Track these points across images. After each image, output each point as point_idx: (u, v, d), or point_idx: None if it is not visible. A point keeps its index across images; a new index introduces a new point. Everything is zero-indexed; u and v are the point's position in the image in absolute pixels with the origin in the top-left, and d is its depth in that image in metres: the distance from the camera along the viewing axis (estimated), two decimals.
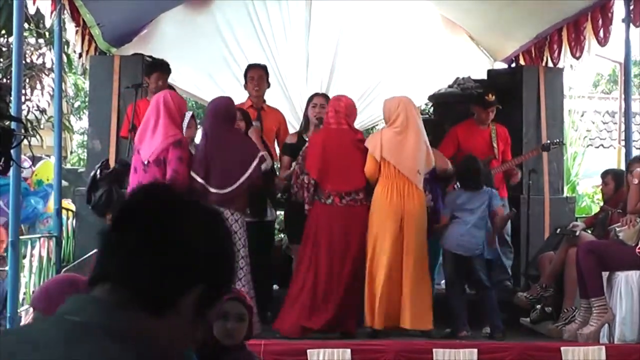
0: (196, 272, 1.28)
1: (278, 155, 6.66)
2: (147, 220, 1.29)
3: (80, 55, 7.77)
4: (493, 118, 6.94)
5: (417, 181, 5.56)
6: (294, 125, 8.98)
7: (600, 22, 7.05)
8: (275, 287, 7.03)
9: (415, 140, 5.61)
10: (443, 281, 7.09)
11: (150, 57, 7.33)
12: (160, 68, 6.69)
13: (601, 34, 7.06)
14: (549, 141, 7.18)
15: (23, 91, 8.55)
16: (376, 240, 5.52)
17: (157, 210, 1.30)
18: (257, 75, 6.62)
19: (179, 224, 1.29)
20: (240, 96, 6.78)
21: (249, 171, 5.45)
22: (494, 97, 6.85)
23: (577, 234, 5.88)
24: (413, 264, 5.49)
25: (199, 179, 5.41)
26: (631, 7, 6.75)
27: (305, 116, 6.49)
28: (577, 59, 7.51)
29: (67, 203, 8.35)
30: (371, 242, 5.55)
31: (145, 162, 5.48)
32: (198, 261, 1.28)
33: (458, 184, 6.03)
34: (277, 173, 6.48)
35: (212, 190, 5.37)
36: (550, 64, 7.93)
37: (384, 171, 5.59)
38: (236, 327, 3.07)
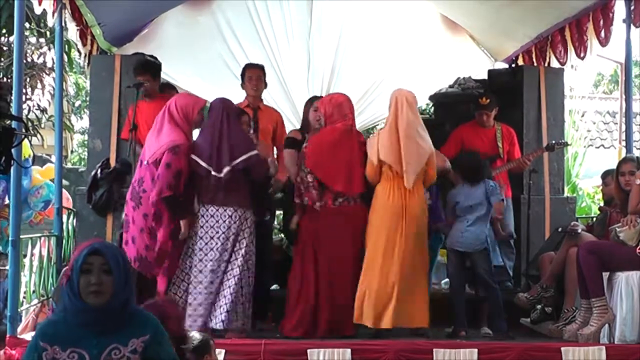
0: None
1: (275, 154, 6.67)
2: None
3: (86, 55, 7.77)
4: (494, 118, 6.94)
5: (406, 180, 5.49)
6: (295, 125, 8.99)
7: (601, 22, 7.05)
8: (275, 286, 7.03)
9: (404, 137, 5.52)
10: (444, 280, 7.12)
11: (151, 56, 7.33)
12: (138, 68, 6.68)
13: (602, 34, 7.05)
14: (553, 141, 7.15)
15: (24, 90, 8.57)
16: (374, 239, 5.51)
17: None
18: (255, 75, 6.60)
19: None
20: (241, 96, 6.78)
21: (245, 156, 5.44)
22: (488, 100, 6.83)
23: (579, 231, 5.88)
24: (412, 263, 5.47)
25: (203, 163, 5.41)
26: (632, 8, 6.75)
27: (306, 118, 6.46)
28: (582, 58, 7.50)
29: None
30: (369, 241, 5.54)
31: (145, 162, 5.51)
32: None
33: (459, 177, 5.99)
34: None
35: (215, 174, 5.38)
36: (556, 64, 7.92)
37: (384, 172, 5.57)
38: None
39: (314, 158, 5.63)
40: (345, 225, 5.54)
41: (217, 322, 5.33)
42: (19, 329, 5.34)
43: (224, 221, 5.40)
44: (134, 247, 5.46)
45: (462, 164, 5.99)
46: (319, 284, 5.50)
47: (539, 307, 5.97)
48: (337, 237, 5.51)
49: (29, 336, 5.09)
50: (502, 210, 6.09)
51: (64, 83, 8.95)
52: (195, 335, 4.32)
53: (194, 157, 5.47)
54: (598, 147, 16.65)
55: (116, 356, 2.74)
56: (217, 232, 5.39)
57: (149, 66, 6.69)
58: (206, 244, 5.40)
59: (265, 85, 6.75)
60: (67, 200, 8.50)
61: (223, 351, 4.95)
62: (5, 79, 9.28)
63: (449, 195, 5.97)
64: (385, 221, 5.49)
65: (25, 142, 8.48)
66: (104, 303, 2.73)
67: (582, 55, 7.46)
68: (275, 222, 8.52)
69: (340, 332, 5.48)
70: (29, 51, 9.97)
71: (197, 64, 8.67)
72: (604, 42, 7.09)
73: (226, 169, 5.39)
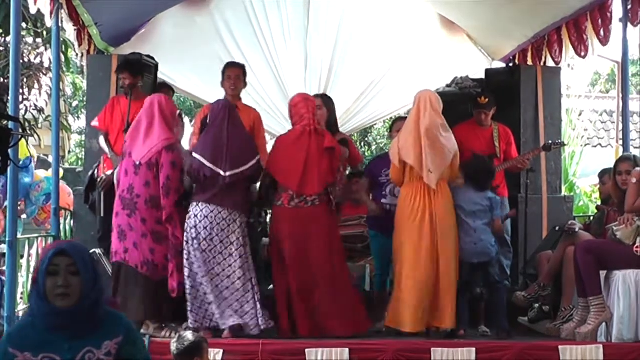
0: None
1: None
2: None
3: (83, 55, 7.77)
4: (491, 117, 6.94)
5: (429, 181, 5.48)
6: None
7: (599, 21, 7.06)
8: (272, 287, 7.02)
9: (426, 138, 5.52)
10: None
11: (148, 56, 7.33)
12: (119, 66, 6.68)
13: (602, 33, 7.06)
14: (550, 141, 7.14)
15: (21, 90, 8.55)
16: (404, 242, 5.50)
17: None
18: (234, 75, 6.56)
19: None
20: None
21: (249, 164, 5.45)
22: (487, 100, 6.83)
23: (576, 230, 5.88)
24: (449, 263, 5.46)
25: (208, 164, 5.40)
26: (629, 7, 6.76)
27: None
28: (583, 57, 7.51)
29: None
30: (397, 243, 5.54)
31: (137, 164, 5.48)
32: None
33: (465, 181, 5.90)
34: None
35: (222, 173, 5.38)
36: (551, 63, 7.93)
37: (407, 173, 5.58)
38: None
39: (271, 159, 5.66)
40: (304, 227, 5.50)
41: (252, 328, 5.34)
42: None
43: (218, 223, 5.38)
44: (138, 252, 5.43)
45: (475, 168, 5.87)
46: (289, 286, 5.51)
47: (536, 305, 5.98)
48: (297, 238, 5.49)
49: None
50: (501, 228, 6.03)
51: (61, 83, 8.96)
52: (187, 336, 4.31)
53: (197, 156, 5.47)
54: (595, 146, 16.65)
55: None
56: (210, 234, 5.36)
57: (128, 64, 6.65)
58: (200, 244, 5.38)
59: (245, 85, 6.69)
60: (69, 196, 8.52)
61: (221, 351, 4.96)
62: (2, 80, 9.27)
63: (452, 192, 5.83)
64: (410, 223, 5.48)
65: (26, 143, 8.54)
66: (71, 305, 2.63)
67: (582, 54, 7.47)
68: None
69: (328, 333, 5.44)
70: (25, 51, 9.95)
71: (195, 63, 8.67)
72: (603, 41, 7.10)
73: (230, 173, 5.38)
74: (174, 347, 4.27)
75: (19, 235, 7.58)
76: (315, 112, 5.76)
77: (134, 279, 5.43)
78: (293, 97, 5.98)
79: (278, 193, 5.61)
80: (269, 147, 6.72)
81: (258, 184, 5.90)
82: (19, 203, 8.92)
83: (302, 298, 5.46)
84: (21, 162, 8.52)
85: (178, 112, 5.75)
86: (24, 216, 9.54)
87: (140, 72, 6.66)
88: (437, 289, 5.45)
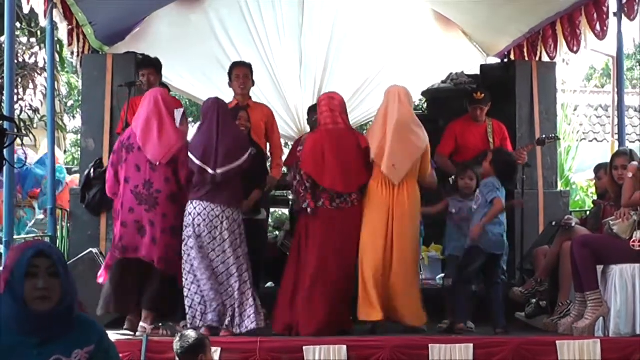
0: None
1: (268, 151, 6.67)
2: None
3: (77, 54, 7.75)
4: (487, 113, 6.95)
5: (392, 176, 5.47)
6: (288, 123, 9.00)
7: (595, 15, 7.06)
8: (270, 284, 7.03)
9: (393, 133, 5.50)
10: (439, 276, 7.11)
11: (144, 55, 7.31)
12: (144, 62, 6.72)
13: (598, 27, 7.06)
14: (544, 135, 7.17)
15: (16, 91, 8.54)
16: (367, 235, 5.51)
17: None
18: (242, 74, 6.58)
19: None
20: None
21: (242, 159, 5.43)
22: (482, 95, 6.83)
23: (573, 224, 5.89)
24: (404, 259, 5.46)
25: (197, 161, 5.39)
26: (623, 1, 6.77)
27: (312, 123, 6.50)
28: (575, 52, 7.52)
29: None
30: (363, 237, 5.54)
31: (157, 164, 5.44)
32: None
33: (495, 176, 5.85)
34: (269, 169, 6.47)
35: (210, 171, 5.36)
36: (546, 59, 7.93)
37: (374, 167, 5.57)
38: None
39: (308, 162, 5.58)
40: (343, 227, 5.51)
41: (245, 326, 5.31)
42: None
43: (211, 220, 5.35)
44: (156, 248, 5.40)
45: (503, 162, 5.86)
46: (309, 286, 5.48)
47: (533, 301, 5.99)
48: (334, 239, 5.48)
49: None
50: None
51: (56, 83, 8.93)
52: (191, 334, 4.31)
53: (189, 153, 5.46)
54: (591, 141, 16.68)
55: None
56: (204, 230, 5.34)
57: (154, 61, 6.75)
58: (196, 241, 5.36)
59: (253, 83, 6.70)
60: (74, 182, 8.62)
61: (219, 349, 4.95)
62: None
63: (490, 183, 5.75)
64: (374, 218, 5.48)
65: (21, 142, 8.62)
66: (50, 309, 2.49)
67: (575, 49, 7.48)
68: (270, 220, 8.52)
69: (338, 327, 5.46)
70: (20, 51, 9.93)
71: (190, 62, 8.66)
72: (600, 36, 7.09)
73: (221, 170, 5.36)
74: (177, 346, 4.27)
75: (21, 235, 7.61)
76: (341, 110, 5.73)
77: (151, 275, 5.40)
78: (320, 96, 5.97)
79: (317, 194, 5.55)
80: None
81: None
82: (34, 193, 9.02)
83: (313, 292, 5.45)
84: (43, 157, 8.61)
85: (182, 110, 5.72)
86: (39, 216, 9.59)
87: (161, 72, 6.71)
88: (391, 286, 5.45)
